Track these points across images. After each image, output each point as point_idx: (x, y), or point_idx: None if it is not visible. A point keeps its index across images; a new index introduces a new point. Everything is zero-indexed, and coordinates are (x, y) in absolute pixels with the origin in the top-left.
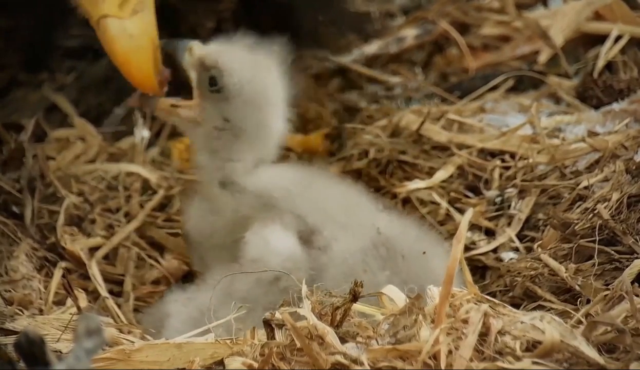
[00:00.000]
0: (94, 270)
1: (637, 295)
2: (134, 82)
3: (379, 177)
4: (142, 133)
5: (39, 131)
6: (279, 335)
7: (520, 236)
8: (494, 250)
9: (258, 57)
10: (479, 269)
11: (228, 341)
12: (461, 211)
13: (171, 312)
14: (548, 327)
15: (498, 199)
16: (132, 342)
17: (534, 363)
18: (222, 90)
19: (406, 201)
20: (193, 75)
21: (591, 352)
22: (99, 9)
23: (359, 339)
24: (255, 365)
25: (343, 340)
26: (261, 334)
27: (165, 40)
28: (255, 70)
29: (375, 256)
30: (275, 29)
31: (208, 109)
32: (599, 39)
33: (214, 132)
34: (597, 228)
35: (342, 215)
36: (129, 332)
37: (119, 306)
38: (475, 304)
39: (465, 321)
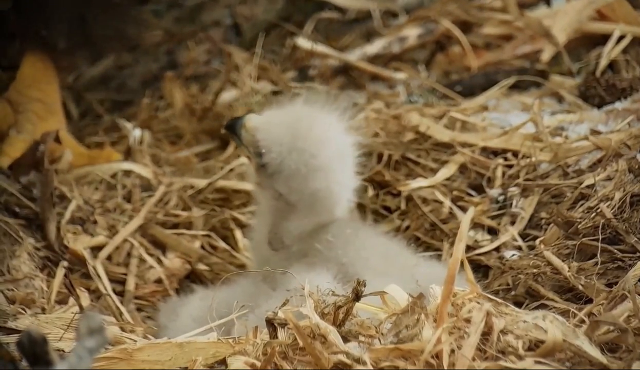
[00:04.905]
0: (99, 268)
1: (639, 295)
2: None
3: (382, 174)
4: (134, 132)
5: None
6: (281, 335)
7: (523, 235)
8: (497, 249)
9: (304, 122)
10: (481, 267)
11: (230, 340)
12: (464, 209)
13: None
14: (550, 326)
15: (501, 198)
16: (134, 341)
17: (537, 362)
18: (267, 167)
19: (409, 199)
20: (249, 151)
21: (594, 352)
22: None
23: (361, 338)
24: (258, 364)
25: (345, 340)
26: (264, 333)
27: (227, 122)
28: (298, 139)
29: None
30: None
31: (263, 182)
32: (601, 38)
33: (271, 200)
34: (599, 227)
35: (382, 264)
36: (131, 331)
37: (121, 304)
38: (478, 303)
39: (468, 320)
